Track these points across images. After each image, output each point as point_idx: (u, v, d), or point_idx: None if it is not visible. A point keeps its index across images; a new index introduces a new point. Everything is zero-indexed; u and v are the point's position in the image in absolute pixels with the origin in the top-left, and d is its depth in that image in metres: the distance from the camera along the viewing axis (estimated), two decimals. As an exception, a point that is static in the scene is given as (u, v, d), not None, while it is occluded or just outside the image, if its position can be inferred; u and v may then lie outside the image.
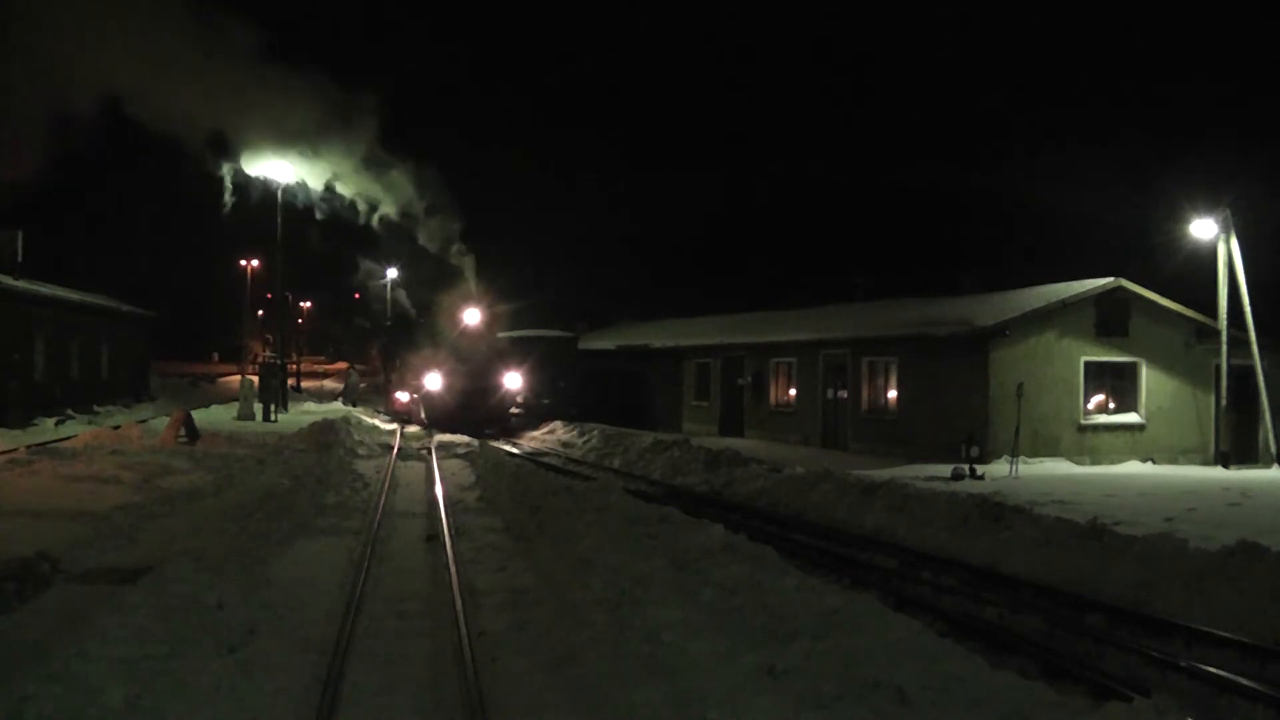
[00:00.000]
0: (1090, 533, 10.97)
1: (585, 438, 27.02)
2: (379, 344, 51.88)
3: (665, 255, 68.17)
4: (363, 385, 50.35)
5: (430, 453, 22.84)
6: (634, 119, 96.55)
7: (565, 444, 27.12)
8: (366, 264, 50.99)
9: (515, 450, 24.74)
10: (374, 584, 9.31)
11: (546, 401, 32.39)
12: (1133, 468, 20.21)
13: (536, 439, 28.76)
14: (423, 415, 31.22)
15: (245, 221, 37.63)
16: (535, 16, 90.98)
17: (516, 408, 31.41)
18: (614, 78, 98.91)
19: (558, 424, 29.91)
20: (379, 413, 39.04)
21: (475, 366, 30.58)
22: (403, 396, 34.92)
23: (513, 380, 30.96)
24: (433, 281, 35.70)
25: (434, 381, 30.50)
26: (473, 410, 29.72)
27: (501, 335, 32.46)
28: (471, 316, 31.19)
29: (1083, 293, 21.46)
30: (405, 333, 38.24)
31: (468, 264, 32.10)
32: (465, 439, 26.27)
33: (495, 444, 25.43)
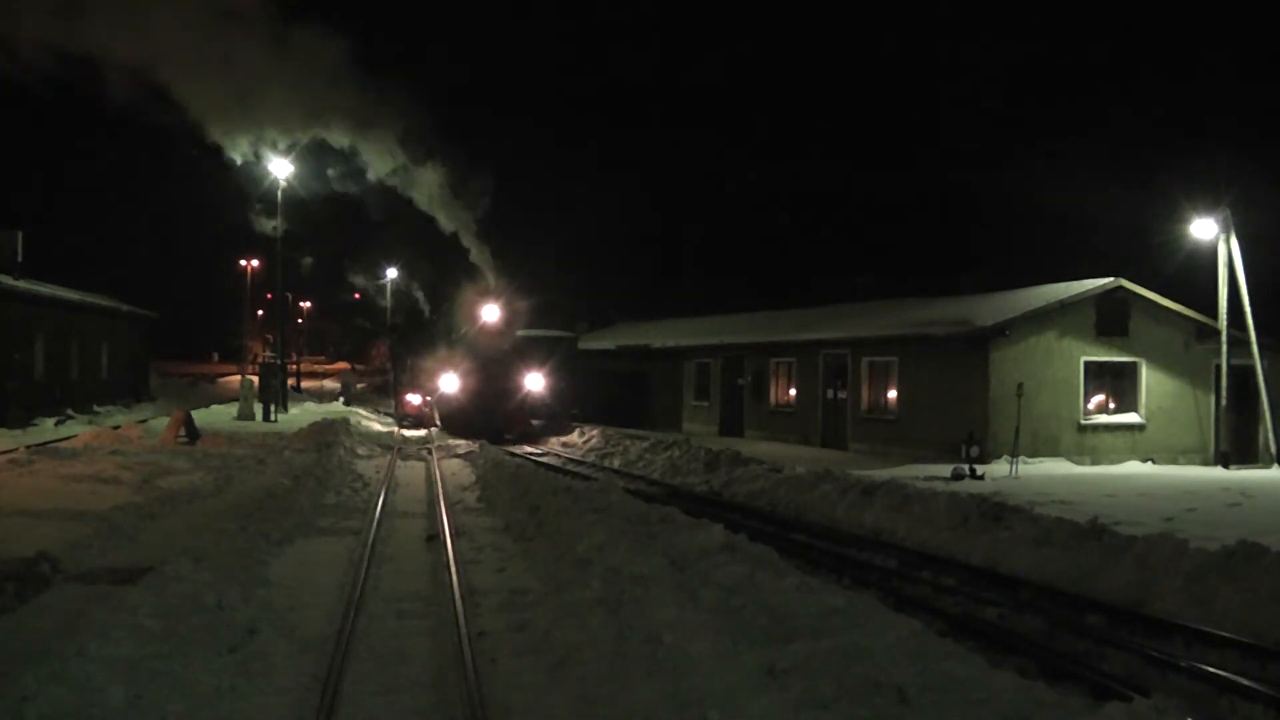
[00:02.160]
0: (1090, 533, 10.97)
1: (585, 438, 27.03)
2: (388, 343, 51.10)
3: (666, 255, 68.13)
4: (360, 385, 50.16)
5: (430, 453, 22.84)
6: (635, 118, 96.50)
7: (565, 444, 27.13)
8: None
9: (515, 450, 24.65)
10: (374, 584, 9.31)
11: (546, 402, 31.55)
12: (1133, 468, 20.20)
13: (554, 444, 27.32)
14: (437, 420, 29.51)
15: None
16: (534, 10, 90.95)
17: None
18: (615, 77, 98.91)
19: (577, 430, 28.18)
20: (379, 413, 38.80)
21: (495, 367, 28.26)
22: (414, 399, 33.30)
23: (534, 382, 28.59)
24: (448, 276, 34.47)
25: (449, 383, 28.45)
26: (492, 415, 27.65)
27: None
28: (490, 313, 28.84)
29: (1083, 293, 21.45)
30: (416, 331, 36.66)
31: (487, 257, 29.99)
32: (465, 439, 26.13)
33: (495, 444, 24.83)
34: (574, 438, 27.29)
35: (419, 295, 44.20)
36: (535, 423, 29.00)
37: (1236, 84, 56.69)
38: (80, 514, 12.18)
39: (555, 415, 29.95)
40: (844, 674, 5.41)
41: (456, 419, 28.04)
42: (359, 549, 10.85)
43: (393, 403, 39.66)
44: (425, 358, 31.66)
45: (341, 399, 46.26)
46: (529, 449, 25.61)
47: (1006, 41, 73.78)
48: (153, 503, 13.35)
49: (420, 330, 36.41)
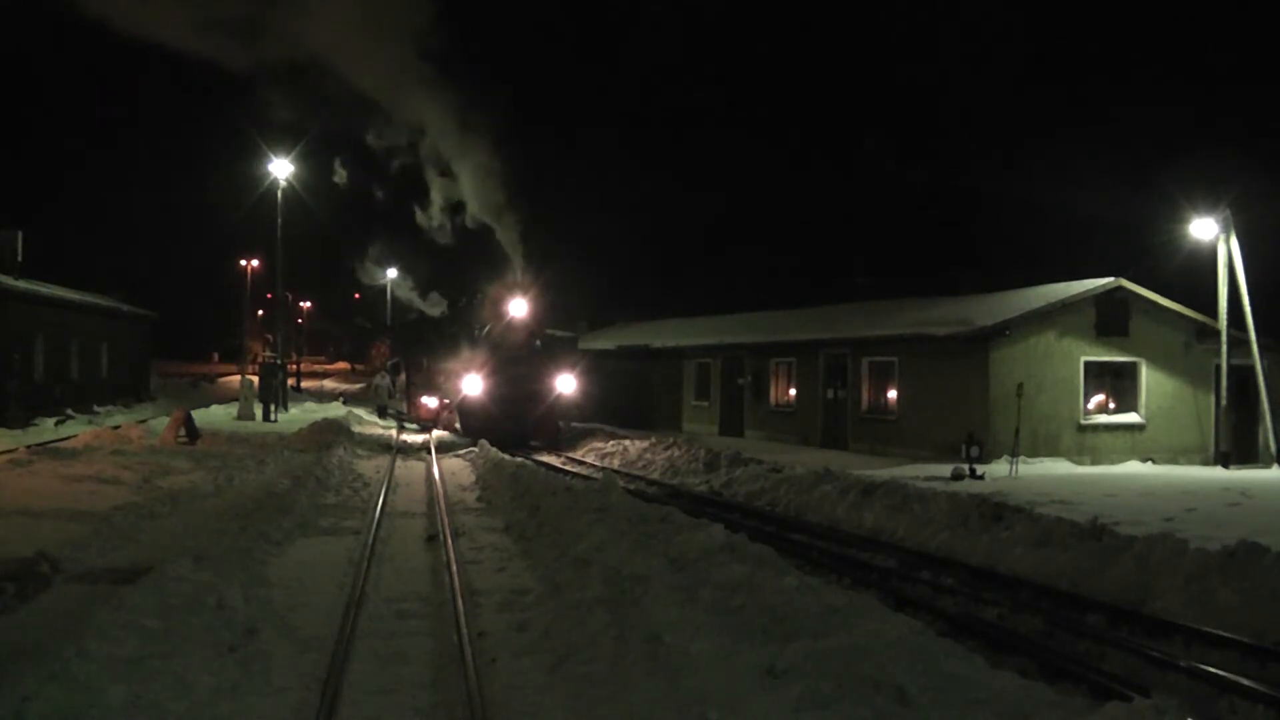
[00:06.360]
0: (1090, 532, 10.98)
1: (585, 439, 26.99)
2: (396, 343, 49.15)
3: (666, 255, 68.00)
4: (386, 382, 42.19)
5: (430, 452, 22.84)
6: (634, 117, 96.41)
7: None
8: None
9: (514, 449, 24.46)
10: (374, 584, 9.31)
11: (578, 405, 29.54)
12: (1133, 468, 20.19)
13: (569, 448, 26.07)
14: (457, 424, 27.86)
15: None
16: (530, 7, 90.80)
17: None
18: (614, 75, 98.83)
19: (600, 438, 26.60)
20: (384, 414, 38.48)
21: (523, 368, 26.43)
22: (430, 402, 31.95)
23: (565, 384, 26.74)
24: (466, 272, 33.61)
25: (473, 385, 26.21)
26: (519, 421, 25.82)
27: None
28: (518, 309, 27.03)
29: (1083, 293, 21.44)
30: (433, 330, 35.47)
31: (517, 246, 28.30)
32: (466, 438, 25.99)
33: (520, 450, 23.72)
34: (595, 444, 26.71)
35: (432, 292, 43.13)
36: (561, 424, 27.71)
37: (1237, 84, 56.67)
38: (80, 514, 12.19)
39: (579, 420, 28.85)
40: (844, 674, 5.41)
41: (480, 423, 25.88)
42: (359, 549, 10.85)
43: (404, 405, 38.30)
44: (443, 358, 30.21)
45: (379, 410, 39.49)
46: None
47: (1006, 41, 73.77)
48: (153, 503, 13.36)
49: (437, 329, 34.89)
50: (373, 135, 31.79)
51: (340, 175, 37.68)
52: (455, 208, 30.20)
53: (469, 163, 29.12)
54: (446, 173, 30.10)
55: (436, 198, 31.55)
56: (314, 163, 37.46)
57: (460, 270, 35.68)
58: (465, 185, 29.46)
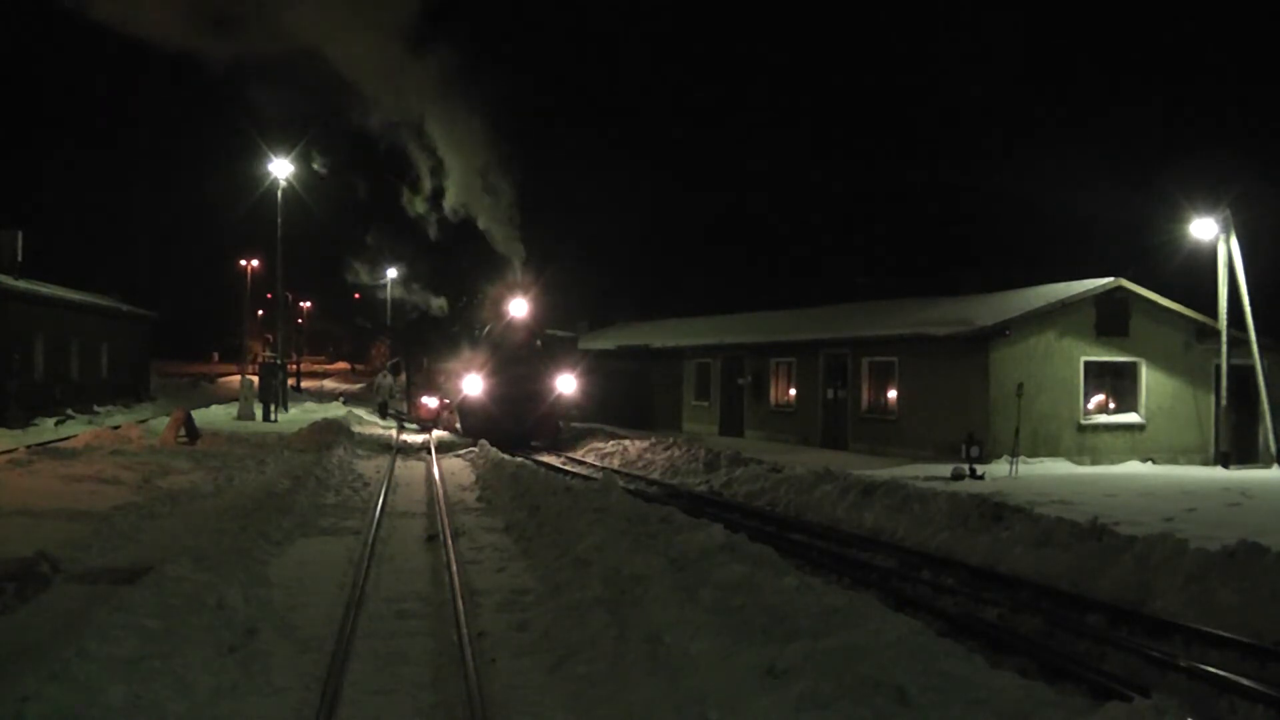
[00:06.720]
0: (1090, 532, 10.98)
1: (585, 439, 26.99)
2: (397, 343, 49.06)
3: (666, 255, 67.97)
4: (388, 381, 40.99)
5: (430, 452, 22.84)
6: (633, 117, 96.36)
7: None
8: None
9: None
10: (374, 584, 9.31)
11: (579, 405, 29.71)
12: (1133, 468, 20.19)
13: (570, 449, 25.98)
14: (457, 424, 27.81)
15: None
16: (530, 6, 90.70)
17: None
18: (613, 74, 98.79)
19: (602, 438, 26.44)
20: (385, 415, 38.53)
21: (523, 368, 26.43)
22: (430, 402, 31.99)
23: (566, 384, 26.75)
24: (467, 271, 33.27)
25: (473, 385, 26.16)
26: (520, 421, 25.78)
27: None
28: (518, 309, 27.04)
29: (1083, 293, 21.44)
30: (433, 330, 35.49)
31: (517, 247, 28.20)
32: (466, 438, 25.98)
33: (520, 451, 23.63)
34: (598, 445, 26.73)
35: (431, 291, 43.17)
36: (561, 424, 27.68)
37: (1237, 84, 56.72)
38: (80, 514, 12.19)
39: (579, 420, 28.81)
40: (844, 674, 5.41)
41: (480, 423, 25.77)
42: (359, 549, 10.85)
43: (404, 405, 38.21)
44: (444, 358, 30.23)
45: (379, 409, 38.81)
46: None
47: (1006, 41, 73.76)
48: (153, 503, 13.36)
49: (438, 328, 34.99)
50: (362, 120, 31.69)
51: (319, 162, 37.44)
52: (453, 205, 30.12)
53: (465, 160, 29.07)
54: (443, 170, 30.04)
55: (427, 186, 31.46)
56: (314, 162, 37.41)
57: (460, 270, 35.72)
58: (461, 181, 29.39)
